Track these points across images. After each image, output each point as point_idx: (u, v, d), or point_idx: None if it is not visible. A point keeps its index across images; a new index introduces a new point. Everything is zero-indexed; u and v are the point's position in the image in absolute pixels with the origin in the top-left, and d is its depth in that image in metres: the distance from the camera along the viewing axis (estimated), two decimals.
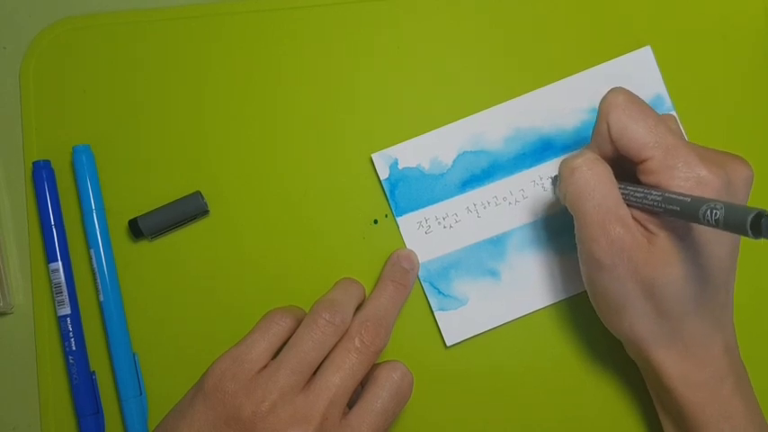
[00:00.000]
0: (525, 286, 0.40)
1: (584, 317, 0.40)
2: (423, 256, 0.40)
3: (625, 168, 0.35)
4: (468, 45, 0.42)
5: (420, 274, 0.40)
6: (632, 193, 0.34)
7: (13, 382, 0.40)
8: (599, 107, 0.35)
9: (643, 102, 0.34)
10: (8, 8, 0.42)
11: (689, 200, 0.30)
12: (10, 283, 0.41)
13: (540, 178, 0.41)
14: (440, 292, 0.40)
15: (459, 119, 0.41)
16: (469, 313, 0.40)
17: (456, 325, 0.40)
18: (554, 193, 0.40)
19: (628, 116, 0.34)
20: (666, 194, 0.32)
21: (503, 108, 0.41)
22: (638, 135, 0.33)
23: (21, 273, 0.41)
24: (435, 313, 0.40)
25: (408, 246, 0.40)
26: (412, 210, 0.41)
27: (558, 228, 0.41)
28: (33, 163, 0.40)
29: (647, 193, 0.33)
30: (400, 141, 0.41)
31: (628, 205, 0.34)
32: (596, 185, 0.33)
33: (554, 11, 0.42)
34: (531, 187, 0.41)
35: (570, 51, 0.42)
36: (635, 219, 0.34)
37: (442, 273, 0.40)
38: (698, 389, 0.34)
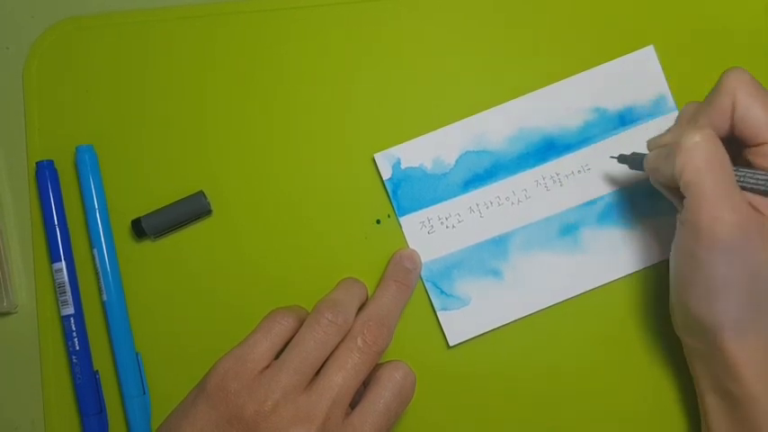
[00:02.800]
0: (528, 286, 0.40)
1: (586, 317, 0.40)
2: (425, 256, 0.40)
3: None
4: (470, 44, 0.42)
5: (422, 273, 0.40)
6: (746, 175, 0.33)
7: (16, 381, 0.40)
8: (721, 83, 0.34)
9: (761, 85, 0.34)
10: (10, 8, 0.42)
11: None
12: (13, 282, 0.41)
13: (543, 178, 0.41)
14: (442, 292, 0.40)
15: (461, 118, 0.41)
16: (472, 313, 0.40)
17: (458, 325, 0.40)
18: (643, 166, 0.38)
19: (754, 97, 0.33)
20: None
21: (505, 108, 0.41)
22: (760, 117, 0.33)
23: (24, 272, 0.41)
24: (438, 313, 0.40)
25: (411, 246, 0.40)
26: (414, 210, 0.41)
27: (560, 227, 0.41)
28: (36, 163, 0.40)
29: (764, 176, 0.32)
30: (403, 141, 0.41)
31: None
32: (720, 163, 0.32)
33: (557, 10, 0.42)
34: (534, 187, 0.41)
35: (573, 51, 0.41)
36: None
37: (444, 272, 0.40)
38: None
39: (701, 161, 0.32)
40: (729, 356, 0.34)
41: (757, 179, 0.33)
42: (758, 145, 0.33)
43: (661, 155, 0.35)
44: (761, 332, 0.34)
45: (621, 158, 0.39)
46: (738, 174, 0.33)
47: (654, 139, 0.38)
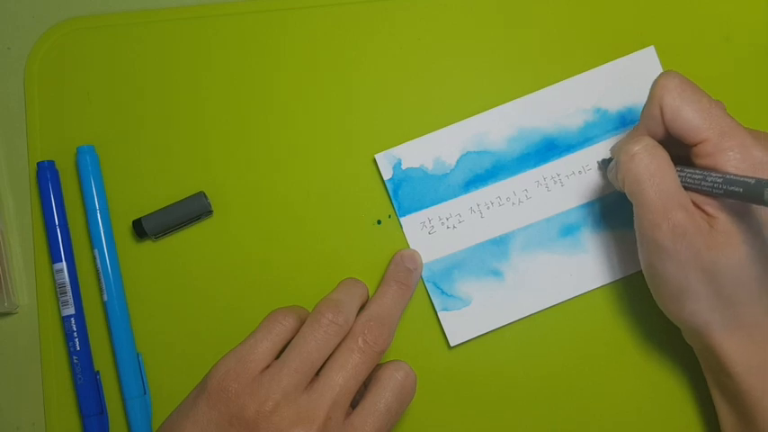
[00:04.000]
0: (529, 286, 0.40)
1: (587, 317, 0.40)
2: (426, 257, 0.40)
3: (671, 151, 0.35)
4: (471, 45, 0.42)
5: (423, 274, 0.40)
6: (689, 175, 0.33)
7: (17, 381, 0.40)
8: (650, 90, 0.35)
9: (695, 85, 0.34)
10: (12, 9, 0.42)
11: (752, 181, 0.30)
12: (14, 283, 0.41)
13: (544, 178, 0.41)
14: (443, 293, 0.40)
15: (462, 119, 0.41)
16: (473, 313, 0.40)
17: (459, 325, 0.40)
18: (606, 175, 0.40)
19: (682, 99, 0.34)
20: (728, 176, 0.31)
21: (506, 108, 0.41)
22: (692, 118, 0.33)
23: (25, 273, 0.41)
24: (439, 313, 0.40)
25: (412, 246, 0.40)
26: (415, 210, 0.41)
27: (561, 228, 0.41)
28: (38, 164, 0.40)
29: (705, 176, 0.33)
30: (403, 142, 0.41)
31: (684, 188, 0.34)
32: (656, 171, 0.33)
33: (558, 10, 0.42)
34: (535, 187, 0.41)
35: (573, 51, 0.41)
36: (693, 202, 0.33)
37: (445, 273, 0.40)
38: (761, 374, 0.34)
39: (639, 171, 0.34)
40: (719, 353, 0.35)
41: (694, 179, 0.33)
42: (696, 144, 0.34)
43: (613, 165, 0.36)
44: (746, 326, 0.34)
45: (600, 164, 0.40)
46: (681, 174, 0.34)
47: (612, 147, 0.39)
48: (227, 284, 0.40)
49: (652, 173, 0.33)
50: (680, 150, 0.35)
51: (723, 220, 0.33)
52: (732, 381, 0.35)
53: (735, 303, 0.34)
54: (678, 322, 0.36)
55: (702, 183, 0.33)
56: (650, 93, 0.35)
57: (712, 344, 0.35)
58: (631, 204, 0.40)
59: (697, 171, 0.33)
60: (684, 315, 0.35)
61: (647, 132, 0.35)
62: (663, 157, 0.34)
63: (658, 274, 0.35)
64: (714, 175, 0.32)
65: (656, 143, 0.34)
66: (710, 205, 0.33)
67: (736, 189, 0.31)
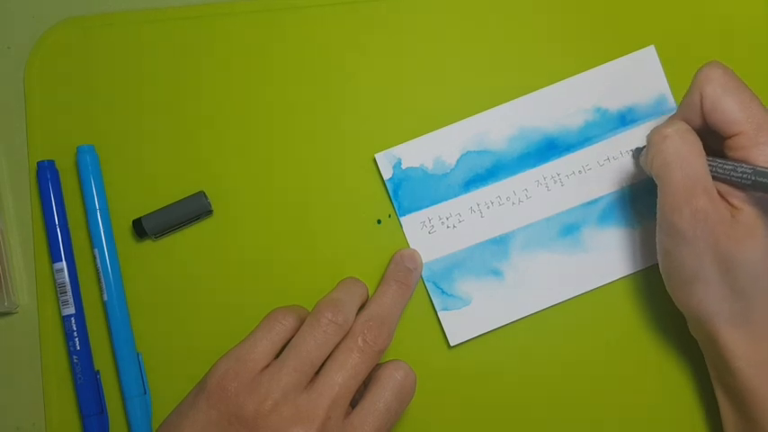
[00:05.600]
0: (528, 286, 0.40)
1: (587, 317, 0.40)
2: (426, 256, 0.40)
3: (705, 143, 0.35)
4: (471, 44, 0.42)
5: (423, 273, 0.40)
6: (720, 165, 0.34)
7: (17, 381, 0.40)
8: (694, 78, 0.35)
9: (738, 77, 0.34)
10: (12, 8, 0.42)
11: None
12: (14, 282, 0.41)
13: (544, 178, 0.41)
14: (443, 292, 0.40)
15: (462, 118, 0.41)
16: (473, 313, 0.40)
17: (459, 325, 0.40)
18: (639, 162, 0.40)
19: (723, 90, 0.34)
20: (759, 168, 0.32)
21: (506, 108, 0.41)
22: (731, 110, 0.33)
23: (25, 272, 0.41)
24: (439, 313, 0.40)
25: (412, 246, 0.40)
26: (415, 210, 0.41)
27: (561, 227, 0.41)
28: (38, 163, 0.40)
29: (736, 166, 0.33)
30: (403, 141, 0.41)
31: (713, 178, 0.34)
32: (686, 155, 0.33)
33: (558, 10, 0.42)
34: (535, 187, 0.41)
35: (574, 51, 0.41)
36: (719, 193, 0.33)
37: (445, 273, 0.40)
38: (763, 370, 0.34)
39: (669, 153, 0.34)
40: (722, 346, 0.35)
41: (725, 169, 0.33)
42: (731, 137, 0.34)
43: (645, 152, 0.36)
44: (753, 322, 0.34)
45: (635, 152, 0.40)
46: (712, 164, 0.34)
47: (649, 134, 0.38)
48: (227, 284, 0.40)
49: (682, 156, 0.33)
50: (712, 143, 0.35)
51: (747, 212, 0.33)
52: (734, 377, 0.35)
53: (746, 297, 0.33)
54: (685, 310, 0.36)
55: (732, 173, 0.33)
56: (693, 81, 0.35)
57: (716, 335, 0.35)
58: (631, 204, 0.41)
59: (728, 162, 0.34)
60: (693, 302, 0.35)
61: (683, 119, 0.35)
62: (694, 141, 0.34)
63: (673, 258, 0.35)
64: (745, 166, 0.33)
65: (689, 128, 0.34)
66: (737, 197, 0.33)
67: (766, 180, 0.31)
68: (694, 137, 0.34)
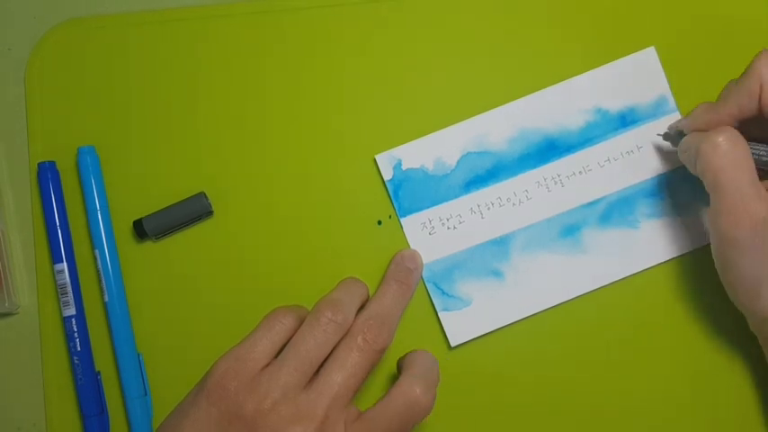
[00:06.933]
0: (529, 287, 0.40)
1: (587, 318, 0.40)
2: (427, 257, 0.40)
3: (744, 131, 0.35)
4: (471, 45, 0.42)
5: (424, 274, 0.40)
6: (761, 150, 0.34)
7: (18, 382, 0.41)
8: (751, 66, 0.35)
9: None
10: (12, 10, 0.42)
11: None
12: (15, 283, 0.41)
13: (545, 179, 0.41)
14: (444, 293, 0.40)
15: (462, 119, 0.41)
16: (473, 314, 0.40)
17: (460, 325, 0.40)
18: (677, 148, 0.39)
19: None
20: None
21: (506, 109, 0.41)
22: None
23: (26, 273, 0.41)
24: (439, 314, 0.40)
25: (412, 247, 0.40)
26: (416, 210, 0.41)
27: (561, 228, 0.40)
28: (38, 164, 0.40)
29: None
30: (404, 142, 0.41)
31: (756, 161, 0.34)
32: (740, 165, 0.33)
33: (558, 11, 0.42)
34: (535, 188, 0.41)
35: (574, 52, 0.41)
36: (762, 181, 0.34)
37: (445, 273, 0.40)
38: None
39: (723, 165, 0.33)
40: None
41: None
42: None
43: (690, 147, 0.36)
44: None
45: (666, 136, 0.40)
46: (757, 153, 0.34)
47: (684, 121, 0.38)
48: (227, 284, 0.40)
49: (735, 166, 0.33)
50: (756, 132, 0.35)
51: None
52: None
53: None
54: (750, 312, 0.36)
55: None
56: (750, 69, 0.35)
57: None
58: (631, 205, 0.40)
59: None
60: (759, 305, 0.35)
61: (736, 108, 0.35)
62: (745, 149, 0.34)
63: (736, 269, 0.34)
64: None
65: (738, 134, 0.34)
66: None
67: None
68: (744, 143, 0.34)
